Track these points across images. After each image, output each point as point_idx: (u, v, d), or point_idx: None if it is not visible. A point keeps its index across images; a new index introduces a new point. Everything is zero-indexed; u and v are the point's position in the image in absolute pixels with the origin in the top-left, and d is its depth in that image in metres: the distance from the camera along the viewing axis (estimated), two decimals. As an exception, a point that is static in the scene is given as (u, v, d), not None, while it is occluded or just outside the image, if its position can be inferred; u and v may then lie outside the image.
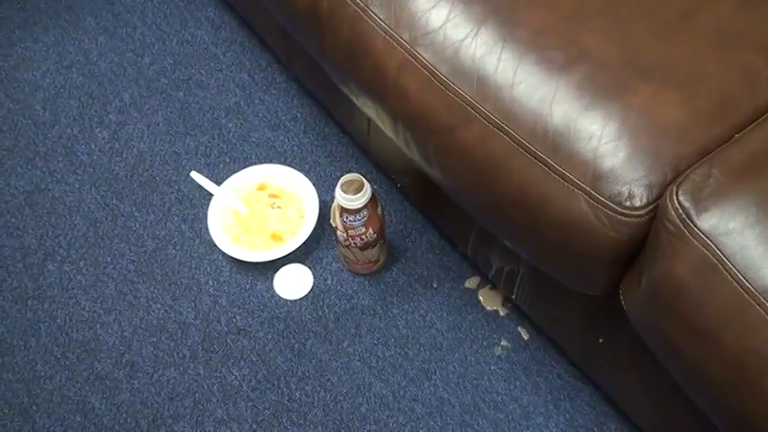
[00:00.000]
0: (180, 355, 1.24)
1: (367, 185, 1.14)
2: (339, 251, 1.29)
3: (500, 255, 1.15)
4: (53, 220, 1.37)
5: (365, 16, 0.96)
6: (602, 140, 0.81)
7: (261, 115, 1.47)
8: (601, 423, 1.17)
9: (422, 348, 1.24)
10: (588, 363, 1.15)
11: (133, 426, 1.18)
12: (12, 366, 1.23)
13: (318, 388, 1.21)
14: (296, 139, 1.44)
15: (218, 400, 1.20)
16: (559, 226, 0.84)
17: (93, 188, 1.40)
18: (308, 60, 1.17)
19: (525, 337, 1.24)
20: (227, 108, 1.49)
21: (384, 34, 0.94)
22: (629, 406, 1.11)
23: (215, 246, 1.30)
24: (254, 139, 1.44)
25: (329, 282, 1.30)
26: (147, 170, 1.42)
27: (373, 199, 1.17)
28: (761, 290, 0.70)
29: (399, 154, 1.08)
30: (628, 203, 0.79)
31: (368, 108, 1.06)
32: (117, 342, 1.25)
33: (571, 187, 0.82)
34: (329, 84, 1.14)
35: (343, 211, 1.16)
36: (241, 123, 1.47)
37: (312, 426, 1.18)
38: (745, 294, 0.71)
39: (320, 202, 1.32)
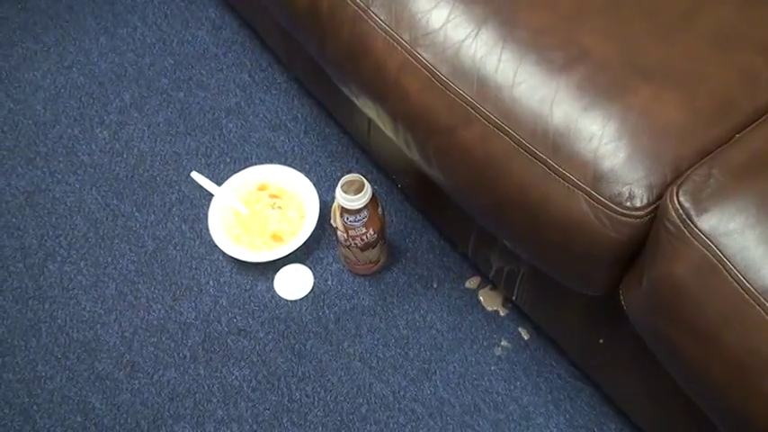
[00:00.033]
0: (180, 355, 1.24)
1: (367, 186, 1.14)
2: (339, 251, 1.29)
3: (500, 255, 1.15)
4: (54, 220, 1.37)
5: (365, 17, 0.96)
6: (603, 141, 0.81)
7: (261, 115, 1.48)
8: (601, 423, 1.17)
9: (422, 349, 1.24)
10: (588, 363, 1.15)
11: (134, 426, 1.18)
12: (12, 366, 1.24)
13: (319, 388, 1.21)
14: (296, 140, 1.44)
15: (218, 401, 1.20)
16: (560, 226, 0.84)
17: (93, 188, 1.40)
18: (308, 61, 1.17)
19: (525, 338, 1.24)
20: (227, 108, 1.49)
21: (384, 35, 0.94)
22: (630, 406, 1.11)
23: (215, 246, 1.30)
24: (254, 140, 1.45)
25: (329, 282, 1.30)
26: (148, 170, 1.42)
27: (374, 199, 1.17)
28: (761, 290, 0.70)
29: (400, 154, 1.08)
30: (628, 204, 0.79)
31: (368, 108, 1.06)
32: (117, 342, 1.25)
33: (571, 188, 0.82)
34: (330, 84, 1.14)
35: (344, 211, 1.16)
36: (242, 124, 1.47)
37: (312, 426, 1.18)
38: (746, 295, 0.71)
39: (321, 202, 1.32)
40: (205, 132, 1.46)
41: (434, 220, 1.35)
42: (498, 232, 1.00)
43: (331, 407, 1.19)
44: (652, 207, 0.79)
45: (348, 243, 1.21)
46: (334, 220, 1.19)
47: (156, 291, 1.30)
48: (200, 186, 1.37)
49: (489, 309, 1.27)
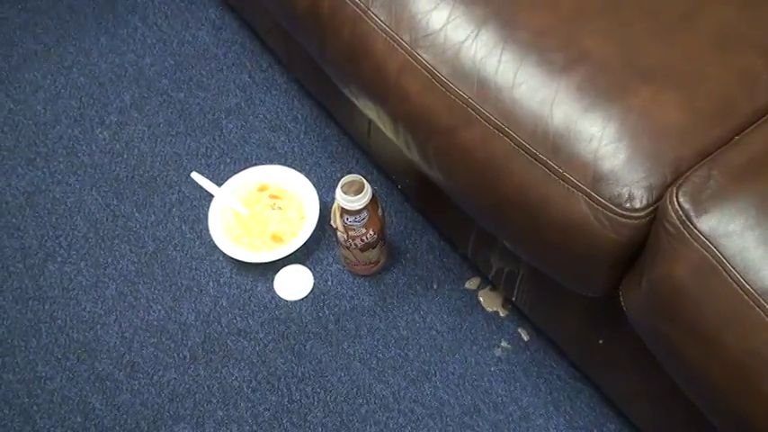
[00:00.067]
0: (180, 355, 1.24)
1: (367, 186, 1.15)
2: (339, 252, 1.29)
3: (500, 256, 1.15)
4: (54, 220, 1.37)
5: (366, 18, 0.96)
6: (603, 142, 0.81)
7: (261, 116, 1.48)
8: (601, 424, 1.17)
9: (422, 349, 1.24)
10: (588, 364, 1.15)
11: (133, 426, 1.18)
12: (12, 367, 1.24)
13: (318, 389, 1.21)
14: (296, 141, 1.44)
15: (218, 401, 1.20)
16: (559, 227, 0.84)
17: (93, 189, 1.40)
18: (308, 61, 1.17)
19: (525, 339, 1.25)
20: (227, 109, 1.49)
21: (385, 36, 0.94)
22: (629, 407, 1.11)
23: (215, 247, 1.30)
24: (254, 140, 1.45)
25: (329, 283, 1.30)
26: (148, 171, 1.42)
27: (374, 200, 1.17)
28: (760, 291, 0.71)
29: (400, 155, 1.08)
30: (628, 205, 0.79)
31: (368, 109, 1.06)
32: (117, 343, 1.25)
33: (571, 189, 0.82)
34: (330, 85, 1.14)
35: (344, 212, 1.16)
36: (242, 124, 1.47)
37: (312, 427, 1.18)
38: (745, 296, 0.71)
39: (321, 203, 1.32)
40: (205, 133, 1.46)
41: (434, 221, 1.35)
42: (498, 233, 1.00)
43: (331, 407, 1.19)
44: (652, 208, 0.79)
45: (348, 244, 1.21)
46: (334, 221, 1.19)
47: (156, 291, 1.30)
48: (201, 187, 1.37)
49: (489, 310, 1.27)
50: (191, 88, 1.51)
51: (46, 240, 1.35)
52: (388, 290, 1.29)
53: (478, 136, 0.88)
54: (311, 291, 1.29)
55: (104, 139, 1.46)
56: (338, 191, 1.14)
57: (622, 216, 0.80)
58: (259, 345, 1.25)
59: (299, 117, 1.47)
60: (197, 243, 1.34)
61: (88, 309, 1.28)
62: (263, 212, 1.34)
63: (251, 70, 1.53)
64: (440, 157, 0.96)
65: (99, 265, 1.32)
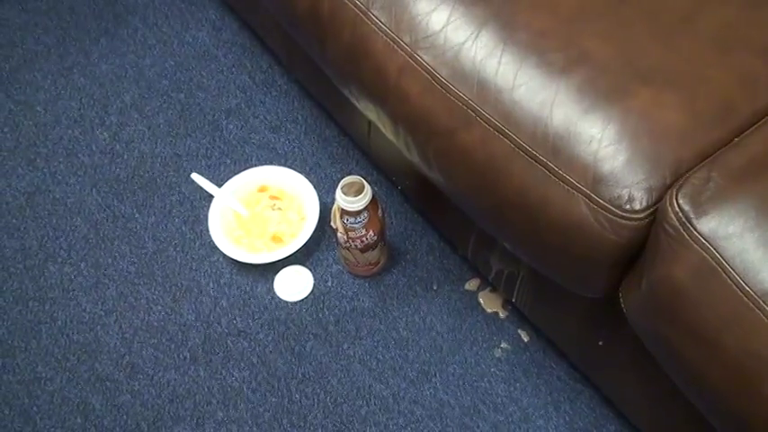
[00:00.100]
0: (180, 356, 1.24)
1: (367, 188, 1.15)
2: (339, 253, 1.29)
3: (500, 257, 1.15)
4: (54, 221, 1.37)
5: (366, 19, 0.96)
6: (603, 144, 0.81)
7: (261, 117, 1.48)
8: (600, 425, 1.17)
9: (422, 350, 1.24)
10: (588, 365, 1.15)
11: (134, 427, 1.19)
12: (12, 367, 1.24)
13: (318, 390, 1.21)
14: (296, 141, 1.44)
15: (218, 402, 1.20)
16: (559, 229, 0.84)
17: (93, 189, 1.40)
18: (308, 63, 1.17)
19: (525, 340, 1.25)
20: (227, 110, 1.49)
21: (385, 37, 0.94)
22: (629, 408, 1.11)
23: (215, 247, 1.30)
24: (254, 141, 1.45)
25: (329, 284, 1.30)
26: (148, 172, 1.42)
27: (374, 201, 1.17)
28: (760, 293, 0.71)
29: (400, 156, 1.08)
30: (628, 207, 0.80)
31: (368, 111, 1.06)
32: (117, 343, 1.25)
33: (571, 190, 0.82)
34: (330, 86, 1.14)
35: (344, 213, 1.16)
36: (242, 125, 1.47)
37: (312, 428, 1.18)
38: (745, 298, 0.71)
39: (321, 204, 1.32)
40: (205, 134, 1.46)
41: (434, 222, 1.35)
42: (498, 235, 1.01)
43: (331, 408, 1.20)
44: (651, 210, 0.79)
45: (348, 245, 1.21)
46: (334, 222, 1.19)
47: (157, 292, 1.30)
48: (201, 188, 1.37)
49: (489, 311, 1.28)
50: (191, 89, 1.51)
51: (46, 241, 1.35)
52: (388, 291, 1.29)
53: (478, 137, 0.88)
54: (311, 292, 1.29)
55: (104, 140, 1.46)
56: (338, 192, 1.14)
57: (622, 218, 0.80)
58: (259, 346, 1.25)
59: (300, 118, 1.47)
60: (197, 244, 1.34)
61: (88, 309, 1.28)
62: (264, 213, 1.34)
63: (251, 71, 1.53)
64: (440, 159, 0.96)
65: (99, 266, 1.32)
